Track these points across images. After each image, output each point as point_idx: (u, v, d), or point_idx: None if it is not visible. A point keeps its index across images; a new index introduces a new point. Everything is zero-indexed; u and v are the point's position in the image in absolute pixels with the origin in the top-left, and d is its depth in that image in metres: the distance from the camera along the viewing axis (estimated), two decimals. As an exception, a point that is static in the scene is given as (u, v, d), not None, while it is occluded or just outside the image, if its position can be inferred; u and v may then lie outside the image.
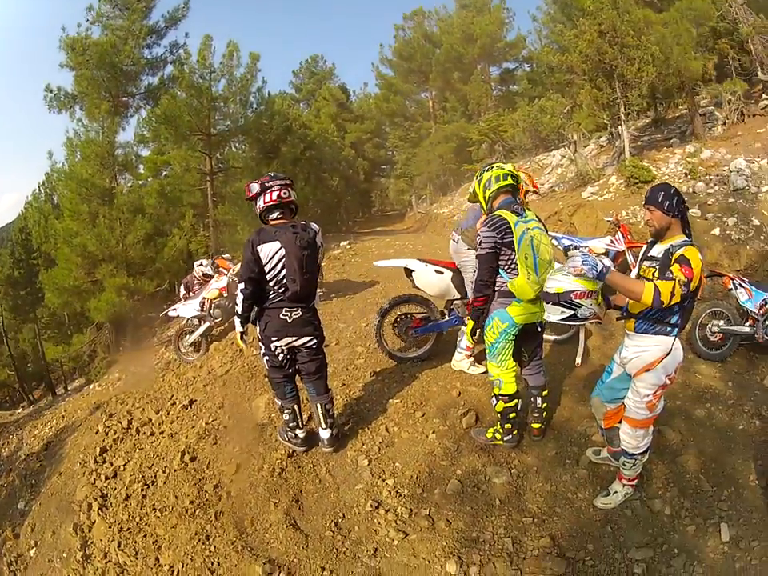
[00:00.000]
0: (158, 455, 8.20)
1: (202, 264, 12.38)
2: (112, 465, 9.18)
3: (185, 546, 5.86)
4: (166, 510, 6.64)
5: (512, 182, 5.40)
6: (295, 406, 6.17)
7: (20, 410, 28.58)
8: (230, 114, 22.28)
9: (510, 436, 5.83)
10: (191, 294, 12.19)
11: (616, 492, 5.06)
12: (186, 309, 11.93)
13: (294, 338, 5.81)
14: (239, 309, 5.72)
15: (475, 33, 32.16)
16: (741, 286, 7.55)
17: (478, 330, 5.65)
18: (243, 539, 5.61)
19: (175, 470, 7.20)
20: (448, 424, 6.39)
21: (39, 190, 39.20)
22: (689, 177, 14.54)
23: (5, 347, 36.12)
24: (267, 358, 5.98)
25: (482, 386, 6.94)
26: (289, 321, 5.71)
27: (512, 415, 5.70)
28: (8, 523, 10.87)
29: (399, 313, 7.83)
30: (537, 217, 5.51)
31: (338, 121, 41.95)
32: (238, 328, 5.86)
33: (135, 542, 6.68)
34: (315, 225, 5.86)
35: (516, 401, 5.67)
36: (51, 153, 27.66)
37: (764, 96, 17.92)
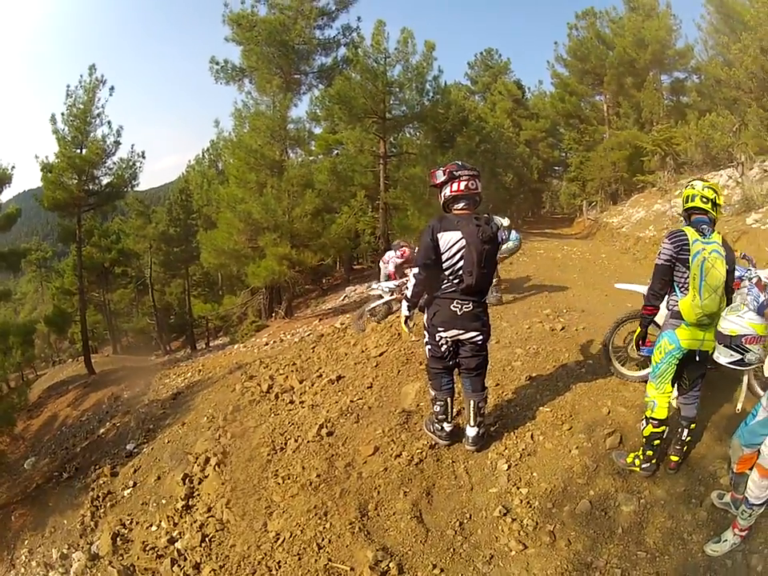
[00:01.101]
0: (293, 423, 8.20)
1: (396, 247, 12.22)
2: (242, 425, 9.26)
3: (299, 517, 5.82)
4: (288, 479, 6.61)
5: (700, 204, 5.04)
6: (448, 399, 5.94)
7: (153, 358, 29.99)
8: (405, 99, 22.31)
9: (649, 464, 5.42)
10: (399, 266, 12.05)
11: (726, 540, 4.65)
12: (386, 284, 11.95)
13: (461, 332, 5.56)
14: (409, 293, 5.60)
15: (646, 38, 30.71)
16: None
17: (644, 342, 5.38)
18: (362, 522, 5.51)
19: (308, 442, 7.14)
20: (592, 442, 6.03)
21: (203, 155, 41.78)
22: None
23: (149, 297, 38.55)
24: (430, 347, 5.79)
25: (631, 408, 6.48)
26: (459, 313, 5.48)
27: (656, 442, 5.33)
28: (108, 461, 11.42)
29: (628, 329, 7.26)
30: (724, 242, 5.00)
31: (513, 117, 41.65)
32: (405, 312, 5.77)
33: (246, 503, 6.73)
34: (501, 219, 5.76)
35: (664, 428, 5.31)
36: (218, 121, 28.83)
37: None
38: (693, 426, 5.40)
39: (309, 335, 15.39)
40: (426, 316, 5.74)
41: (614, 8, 34.31)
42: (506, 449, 6.07)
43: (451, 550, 5.06)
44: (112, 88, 22.22)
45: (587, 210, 34.51)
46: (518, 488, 5.56)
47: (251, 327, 21.39)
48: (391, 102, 22.17)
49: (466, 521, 5.33)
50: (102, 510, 9.72)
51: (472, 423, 5.91)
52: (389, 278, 12.09)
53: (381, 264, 12.48)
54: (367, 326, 11.39)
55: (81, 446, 14.03)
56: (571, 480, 5.57)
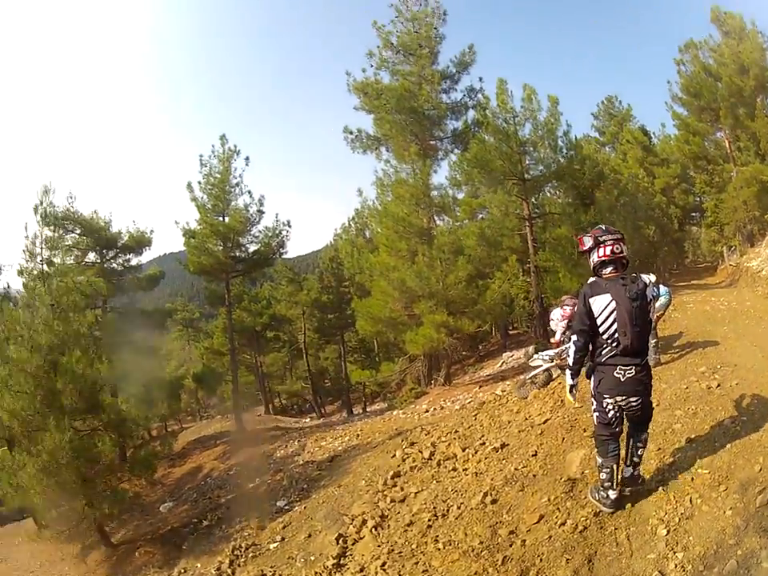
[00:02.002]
0: (456, 491, 8.38)
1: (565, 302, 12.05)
2: (402, 490, 9.52)
3: None
4: (450, 545, 6.73)
5: None
6: (614, 465, 5.96)
7: (307, 420, 30.66)
8: (540, 158, 22.31)
9: None
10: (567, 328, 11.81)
11: None
12: (546, 353, 12.04)
13: (625, 397, 5.66)
14: (570, 361, 5.78)
15: (745, 62, 29.01)
16: None
17: None
18: None
19: (472, 509, 7.28)
20: (744, 501, 5.88)
21: (349, 223, 42.84)
22: None
23: (303, 362, 39.76)
24: (597, 414, 5.88)
25: None
26: (622, 380, 5.58)
27: None
28: (256, 515, 11.91)
29: None
30: None
31: (644, 165, 40.36)
32: (569, 381, 5.94)
33: (402, 567, 6.88)
34: (648, 276, 5.73)
35: None
36: (361, 190, 29.63)
37: None
38: None
39: (469, 402, 15.55)
40: (592, 383, 5.83)
41: (710, 36, 33.08)
42: (666, 514, 5.99)
43: None
44: (247, 158, 23.59)
45: (728, 255, 33.38)
46: (675, 552, 5.45)
47: (410, 394, 21.52)
48: (527, 161, 22.17)
49: None
50: (242, 560, 10.24)
51: (628, 463, 6.06)
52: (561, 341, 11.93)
53: (551, 323, 12.27)
54: (530, 393, 11.50)
55: (226, 498, 14.84)
56: (723, 541, 5.41)
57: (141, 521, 15.62)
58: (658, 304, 10.24)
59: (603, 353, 5.60)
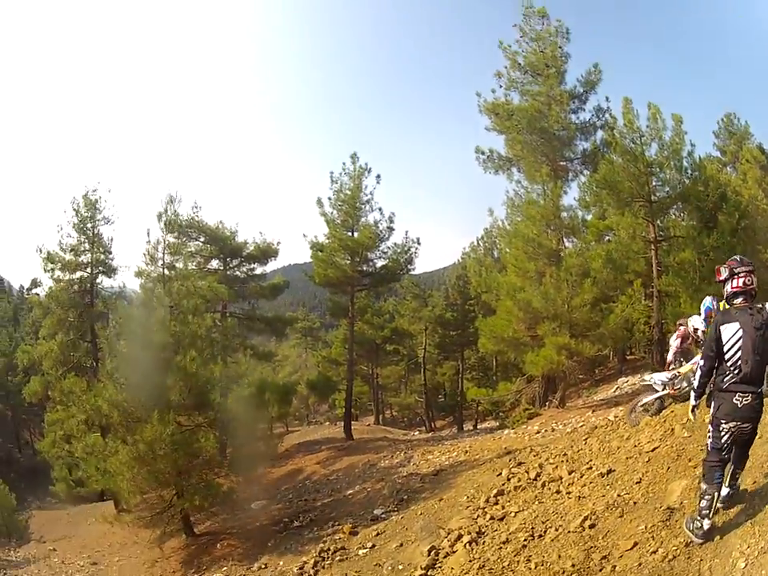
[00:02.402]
0: (556, 513, 8.39)
1: (694, 320, 11.68)
2: (503, 508, 9.57)
3: None
4: (542, 565, 6.78)
5: None
6: (716, 494, 6.05)
7: (416, 433, 30.97)
8: (666, 179, 21.87)
9: None
10: (680, 349, 11.87)
11: None
12: (659, 376, 11.83)
13: (739, 423, 5.84)
14: (696, 383, 6.08)
15: None
16: None
17: None
18: None
19: (569, 532, 7.30)
20: None
21: (478, 243, 43.16)
22: None
23: (420, 376, 40.38)
24: (712, 440, 6.04)
25: None
26: (740, 406, 5.76)
27: None
28: (350, 520, 12.16)
29: None
30: None
31: (762, 185, 38.29)
32: (692, 402, 6.22)
33: None
34: None
35: None
36: (492, 210, 30.02)
37: None
38: None
39: (581, 426, 15.45)
40: (712, 409, 6.02)
41: None
42: (748, 547, 5.88)
43: None
44: (378, 176, 24.37)
45: None
46: None
47: (524, 414, 21.51)
48: (654, 183, 21.78)
49: None
50: (327, 561, 10.43)
51: (727, 484, 6.23)
52: (672, 362, 11.94)
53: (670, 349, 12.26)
54: (641, 421, 11.37)
55: (322, 502, 15.13)
56: None
57: (230, 515, 16.07)
58: None
59: (726, 379, 5.80)
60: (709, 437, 6.10)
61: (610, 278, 20.53)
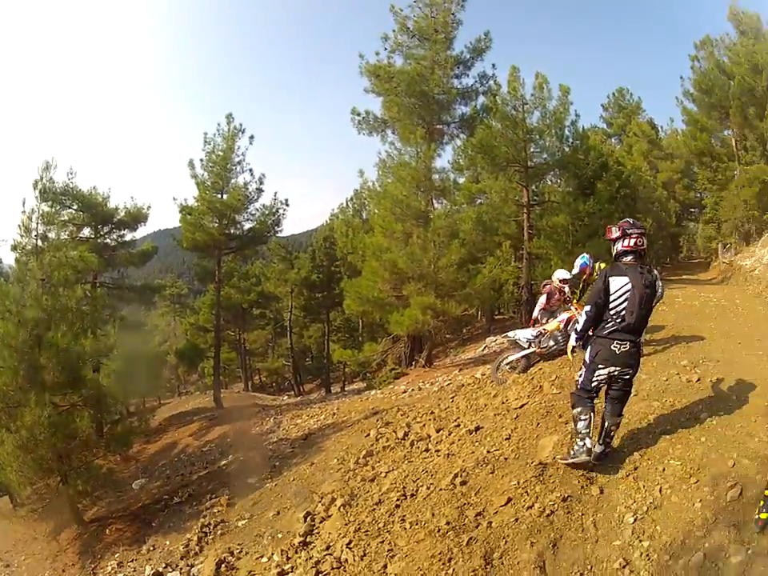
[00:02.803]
0: (426, 471, 8.35)
1: (560, 273, 12.13)
2: (374, 469, 9.45)
3: (422, 562, 5.96)
4: (416, 524, 6.72)
5: None
6: (592, 414, 6.53)
7: (285, 398, 30.61)
8: (546, 147, 22.34)
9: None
10: (547, 306, 12.16)
11: None
12: (524, 333, 12.06)
13: (618, 368, 6.33)
14: (579, 327, 6.48)
15: (759, 62, 28.70)
16: None
17: None
18: (486, 570, 5.63)
19: (441, 490, 7.27)
20: (715, 495, 5.98)
21: (347, 204, 42.93)
22: None
23: (286, 340, 40.05)
24: (583, 379, 6.53)
25: (754, 459, 6.41)
26: (617, 352, 6.24)
27: None
28: (227, 491, 11.83)
29: None
30: None
31: (649, 158, 40.77)
32: (572, 342, 6.64)
33: (368, 545, 6.83)
34: (655, 271, 6.58)
35: None
36: (362, 171, 29.39)
37: None
38: None
39: (448, 384, 15.43)
40: (588, 354, 6.47)
41: (727, 34, 32.80)
42: (634, 502, 6.16)
43: None
44: (252, 137, 23.60)
45: (722, 252, 33.40)
46: (641, 541, 5.64)
47: (390, 374, 21.50)
48: (532, 149, 22.22)
49: (586, 572, 5.42)
50: (210, 537, 10.17)
51: (600, 442, 6.64)
52: (537, 319, 12.21)
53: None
54: (508, 378, 11.46)
55: (198, 475, 14.70)
56: (690, 533, 5.61)
57: (113, 498, 15.39)
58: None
59: (607, 326, 6.32)
60: (580, 376, 6.62)
61: (478, 240, 20.80)
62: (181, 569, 9.63)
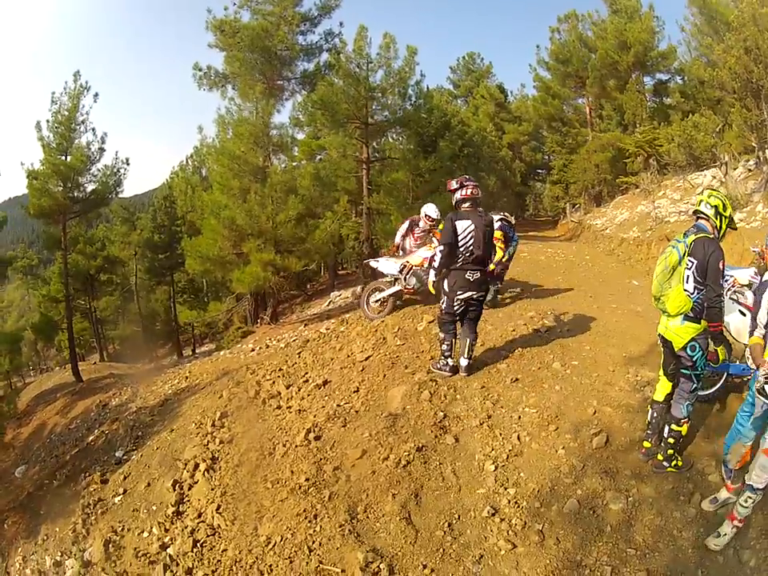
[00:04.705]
0: (281, 428, 8.41)
1: (429, 210, 11.97)
2: (230, 431, 9.40)
3: (289, 521, 6.02)
4: (278, 483, 6.79)
5: (703, 209, 5.67)
6: (453, 340, 8.07)
7: (139, 365, 29.92)
8: (387, 105, 22.40)
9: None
10: (410, 237, 12.41)
11: (725, 534, 4.91)
12: (388, 266, 12.17)
13: (474, 293, 7.80)
14: (436, 264, 7.80)
15: (629, 40, 30.82)
16: None
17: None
18: (352, 524, 5.71)
19: (297, 446, 7.36)
20: (578, 442, 6.34)
21: (187, 161, 42.18)
22: None
23: (135, 305, 39.14)
24: (446, 306, 7.91)
25: (616, 408, 6.89)
26: (471, 279, 7.71)
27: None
28: (98, 468, 11.45)
29: None
30: (696, 243, 5.49)
31: (495, 120, 42.08)
32: (432, 278, 7.95)
33: (236, 509, 6.90)
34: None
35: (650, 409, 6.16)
36: (201, 128, 28.97)
37: None
38: (674, 425, 5.75)
39: (294, 341, 15.38)
40: (446, 284, 7.83)
41: (596, 11, 34.11)
42: (492, 450, 6.34)
43: (441, 550, 5.28)
44: (96, 95, 22.36)
45: (571, 212, 34.47)
46: (506, 488, 5.83)
47: (237, 333, 21.41)
48: (374, 107, 22.24)
49: (454, 521, 5.54)
50: (93, 518, 9.78)
51: (466, 356, 7.98)
52: (399, 245, 12.53)
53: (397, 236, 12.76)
54: (377, 318, 11.53)
55: (70, 454, 14.01)
56: (558, 480, 5.84)
57: (1, 490, 14.59)
58: (510, 249, 11.45)
59: (459, 260, 7.70)
60: (443, 304, 8.00)
61: (316, 195, 20.57)
62: (75, 555, 9.32)
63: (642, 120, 31.06)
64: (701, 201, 5.71)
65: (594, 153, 33.23)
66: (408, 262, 11.77)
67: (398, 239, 12.58)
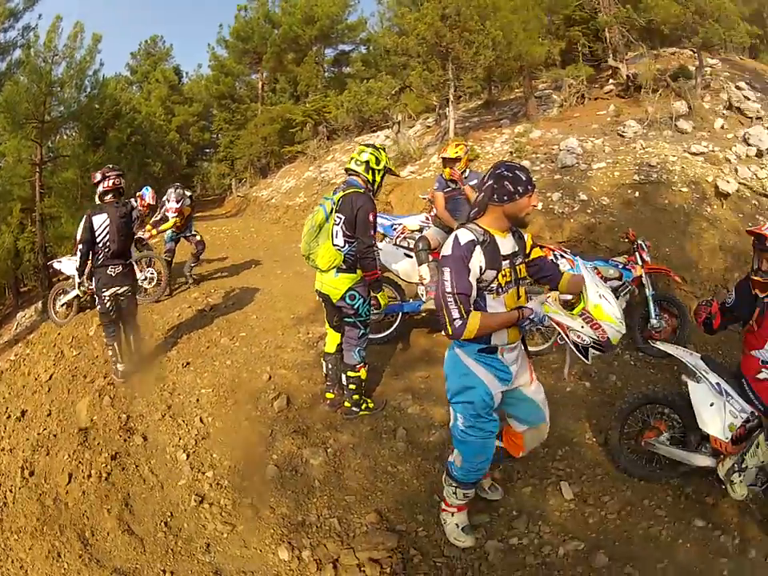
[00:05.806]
0: (1, 473, 7.53)
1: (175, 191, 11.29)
2: None
3: (43, 566, 5.50)
4: (21, 531, 6.09)
5: (353, 166, 5.94)
6: (116, 344, 7.74)
7: None
8: (65, 99, 20.94)
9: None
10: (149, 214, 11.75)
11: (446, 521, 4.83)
12: (69, 265, 10.89)
13: (118, 288, 7.57)
14: (78, 264, 7.63)
15: (316, 14, 31.45)
16: (562, 256, 7.32)
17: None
18: (88, 551, 5.41)
19: (20, 488, 6.74)
20: (260, 409, 6.62)
21: None
22: (514, 155, 14.31)
23: None
24: (100, 306, 7.67)
25: (292, 369, 7.34)
26: (113, 275, 7.49)
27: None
28: None
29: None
30: (343, 199, 5.79)
31: (167, 104, 40.48)
32: (78, 279, 7.94)
33: (7, 570, 6.08)
34: (134, 202, 7.98)
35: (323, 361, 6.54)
36: None
37: (611, 81, 17.59)
38: (350, 372, 6.13)
39: None
40: (94, 284, 7.63)
41: None
42: (180, 439, 6.41)
43: (170, 551, 5.15)
44: None
45: (236, 187, 35.05)
46: (203, 473, 5.86)
47: None
48: (52, 102, 20.56)
49: (169, 519, 5.47)
50: None
51: (122, 360, 7.83)
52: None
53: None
54: (63, 319, 10.91)
55: None
56: (251, 450, 6.01)
57: None
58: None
59: (99, 257, 7.45)
60: (97, 305, 7.74)
61: None
62: None
63: (316, 90, 31.99)
64: (352, 158, 5.97)
65: (263, 126, 32.98)
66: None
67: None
